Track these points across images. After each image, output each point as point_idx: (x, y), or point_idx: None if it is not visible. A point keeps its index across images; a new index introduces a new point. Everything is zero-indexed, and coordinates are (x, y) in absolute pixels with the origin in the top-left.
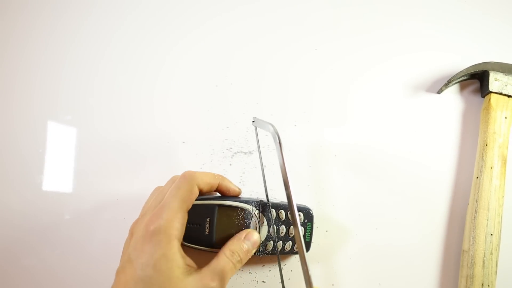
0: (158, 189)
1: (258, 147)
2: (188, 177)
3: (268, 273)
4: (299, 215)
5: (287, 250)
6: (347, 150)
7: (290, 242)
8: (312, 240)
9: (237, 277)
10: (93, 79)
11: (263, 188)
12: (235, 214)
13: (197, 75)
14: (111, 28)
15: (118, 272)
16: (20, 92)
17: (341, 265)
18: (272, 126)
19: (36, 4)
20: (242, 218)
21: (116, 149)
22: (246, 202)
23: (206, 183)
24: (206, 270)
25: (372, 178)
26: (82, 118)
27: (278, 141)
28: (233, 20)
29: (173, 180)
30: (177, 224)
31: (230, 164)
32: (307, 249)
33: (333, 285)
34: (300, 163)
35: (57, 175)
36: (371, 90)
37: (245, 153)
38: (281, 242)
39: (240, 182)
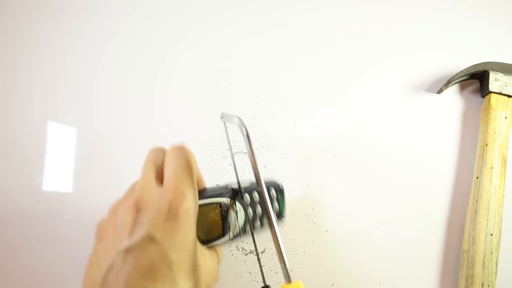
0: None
1: (228, 141)
2: (188, 153)
3: (268, 273)
4: (271, 193)
5: (266, 225)
6: (347, 150)
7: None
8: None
9: (237, 277)
10: (93, 79)
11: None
12: (211, 210)
13: (197, 75)
14: (111, 28)
15: (136, 250)
16: (20, 92)
17: (341, 265)
18: (239, 118)
19: (36, 4)
20: (219, 212)
21: (116, 149)
22: (219, 194)
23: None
24: None
25: (372, 178)
26: (82, 118)
27: (245, 133)
28: (233, 20)
29: (146, 163)
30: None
31: (230, 164)
32: (281, 218)
33: (333, 285)
34: (300, 163)
35: (57, 175)
36: (371, 90)
37: (245, 153)
38: (259, 222)
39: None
